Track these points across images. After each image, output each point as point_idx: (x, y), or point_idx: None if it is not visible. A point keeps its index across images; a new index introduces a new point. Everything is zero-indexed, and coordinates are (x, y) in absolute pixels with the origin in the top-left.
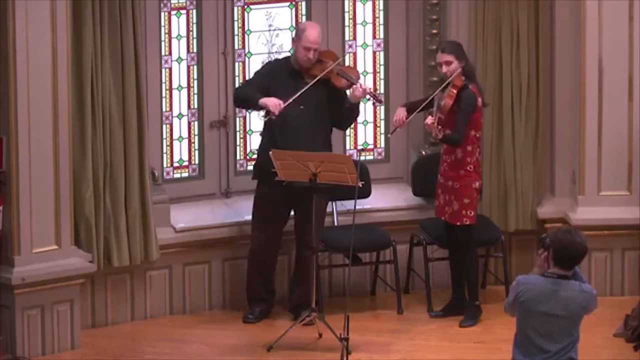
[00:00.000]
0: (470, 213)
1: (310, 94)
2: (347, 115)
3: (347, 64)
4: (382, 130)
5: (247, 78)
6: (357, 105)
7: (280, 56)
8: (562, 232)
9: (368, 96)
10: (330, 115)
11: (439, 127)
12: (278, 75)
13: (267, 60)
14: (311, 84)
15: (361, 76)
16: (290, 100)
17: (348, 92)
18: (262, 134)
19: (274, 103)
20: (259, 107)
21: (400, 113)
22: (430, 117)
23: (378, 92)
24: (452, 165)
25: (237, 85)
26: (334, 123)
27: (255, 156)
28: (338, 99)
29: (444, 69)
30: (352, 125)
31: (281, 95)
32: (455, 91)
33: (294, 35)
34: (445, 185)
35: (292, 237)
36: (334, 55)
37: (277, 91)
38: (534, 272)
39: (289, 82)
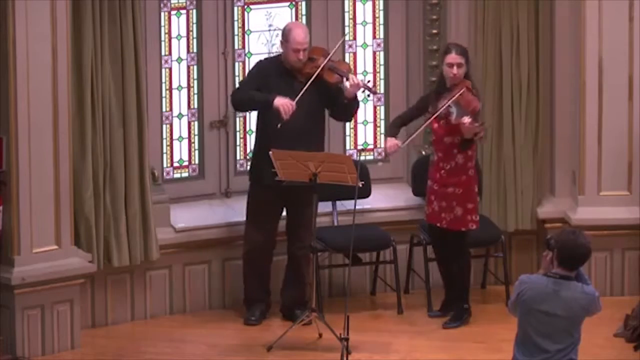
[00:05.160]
0: (475, 217)
1: (302, 95)
2: (347, 109)
3: (337, 58)
4: (382, 130)
5: (241, 80)
6: (354, 99)
7: (271, 55)
8: (567, 232)
9: (363, 89)
10: (329, 111)
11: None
12: (269, 75)
13: (258, 60)
14: (310, 81)
15: (351, 69)
16: (295, 100)
17: (343, 85)
18: (256, 136)
19: (286, 104)
20: (270, 109)
21: (390, 141)
22: (467, 119)
23: (370, 83)
24: (452, 172)
25: (236, 85)
26: (335, 116)
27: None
28: (333, 94)
29: (455, 70)
30: (354, 116)
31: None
32: (470, 92)
33: (281, 37)
34: (444, 192)
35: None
36: (323, 51)
37: (269, 92)
38: (538, 274)
39: (281, 83)
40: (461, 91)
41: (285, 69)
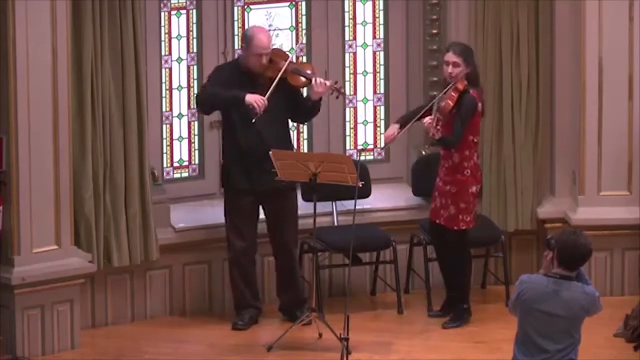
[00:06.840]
0: (467, 218)
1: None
2: (308, 112)
3: (298, 60)
4: (382, 130)
5: (202, 84)
6: (319, 102)
7: (228, 61)
8: (567, 233)
9: (331, 91)
10: (290, 113)
11: (438, 127)
12: (230, 80)
13: (217, 65)
14: (274, 83)
15: (315, 70)
16: (266, 96)
17: (306, 89)
18: (222, 143)
19: (258, 100)
20: (242, 106)
21: (392, 129)
22: (429, 117)
23: (339, 84)
24: (449, 170)
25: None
26: (294, 119)
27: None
28: (297, 97)
29: (450, 69)
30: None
31: None
32: (456, 95)
33: (242, 42)
34: (443, 189)
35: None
36: (283, 54)
37: None
38: (539, 274)
39: (243, 86)
40: (287, 62)
41: (244, 74)
